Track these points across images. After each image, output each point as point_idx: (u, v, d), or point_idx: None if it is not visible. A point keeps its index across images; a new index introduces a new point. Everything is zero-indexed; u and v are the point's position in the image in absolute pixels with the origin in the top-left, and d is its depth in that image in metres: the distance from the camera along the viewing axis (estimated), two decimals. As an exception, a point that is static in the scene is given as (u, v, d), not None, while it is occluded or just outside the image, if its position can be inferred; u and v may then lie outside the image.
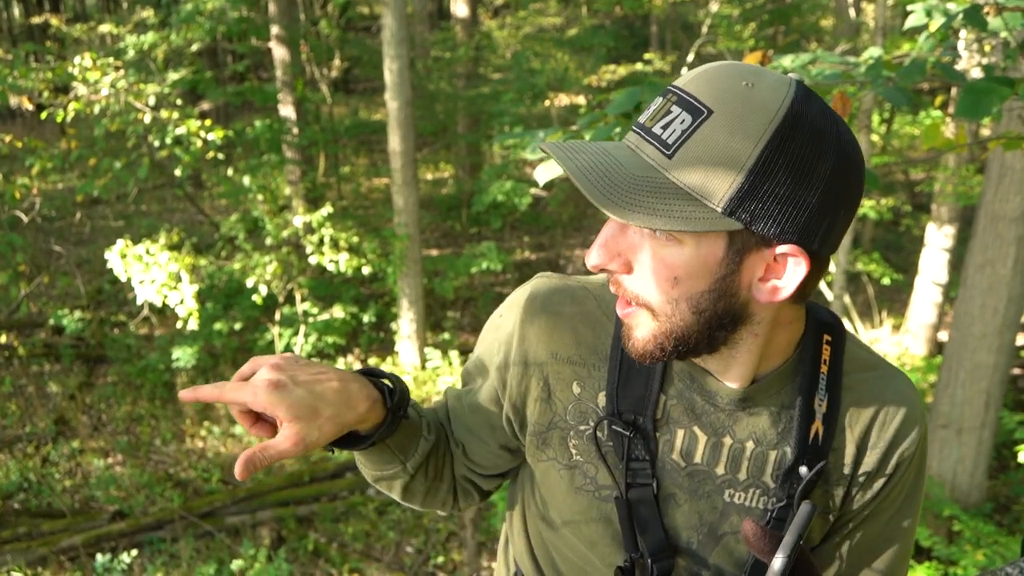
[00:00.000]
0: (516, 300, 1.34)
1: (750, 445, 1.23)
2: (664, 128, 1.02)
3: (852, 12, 14.36)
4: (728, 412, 1.23)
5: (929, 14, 2.44)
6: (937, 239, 10.54)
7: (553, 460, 1.31)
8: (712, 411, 1.23)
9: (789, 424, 1.23)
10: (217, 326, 10.18)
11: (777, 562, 1.10)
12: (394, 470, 1.36)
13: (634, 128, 1.08)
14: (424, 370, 10.69)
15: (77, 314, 10.86)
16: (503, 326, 1.35)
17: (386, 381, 1.28)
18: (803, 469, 1.21)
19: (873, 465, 1.26)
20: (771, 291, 1.08)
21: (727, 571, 1.28)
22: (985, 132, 9.56)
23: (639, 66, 14.83)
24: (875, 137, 11.35)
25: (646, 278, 1.07)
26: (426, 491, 1.43)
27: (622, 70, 14.46)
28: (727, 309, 1.08)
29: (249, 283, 9.32)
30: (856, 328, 11.32)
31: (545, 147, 1.07)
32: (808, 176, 1.01)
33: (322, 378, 1.17)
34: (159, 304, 8.79)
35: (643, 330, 1.11)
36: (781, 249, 1.04)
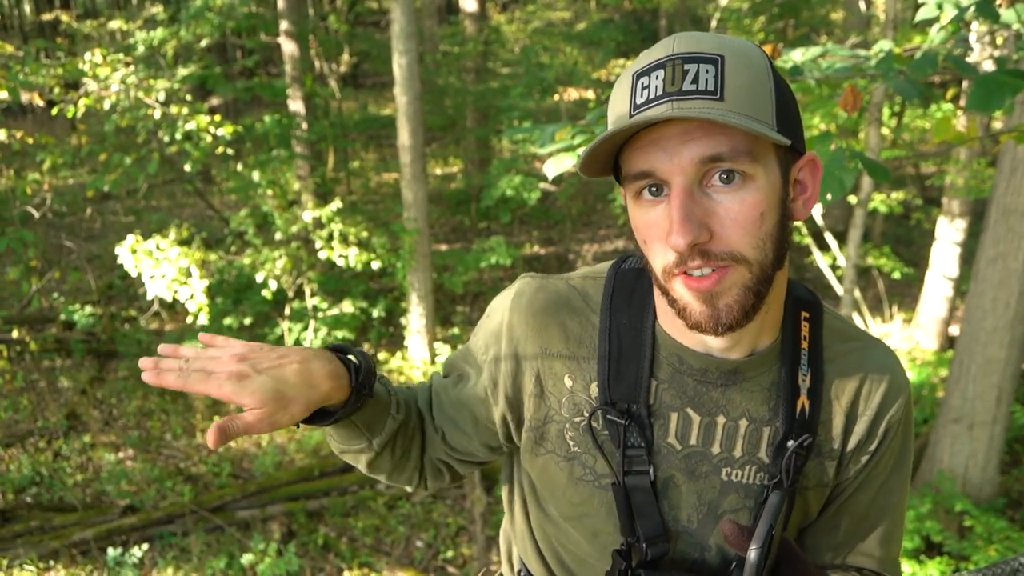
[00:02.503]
0: (503, 301, 1.37)
1: (743, 423, 1.26)
2: (694, 83, 1.04)
3: (862, 5, 14.29)
4: (721, 389, 1.25)
5: (940, 6, 2.43)
6: (948, 233, 10.50)
7: (552, 453, 1.33)
8: (704, 391, 1.25)
9: (779, 401, 1.25)
10: (227, 321, 10.21)
11: (752, 553, 1.15)
12: (360, 446, 1.37)
13: (651, 104, 1.06)
14: (434, 364, 10.69)
15: (88, 309, 10.90)
16: (491, 327, 1.37)
17: (352, 358, 1.29)
18: (790, 443, 1.23)
19: (862, 434, 1.30)
20: (804, 204, 1.17)
21: (727, 549, 1.29)
22: (997, 125, 9.52)
23: (648, 60, 14.75)
24: (886, 131, 11.31)
25: (735, 228, 1.07)
26: (392, 468, 1.45)
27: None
28: (786, 238, 1.14)
29: (259, 278, 9.34)
30: (866, 322, 11.28)
31: (618, 127, 1.06)
32: (791, 94, 1.13)
33: (284, 362, 1.19)
34: (169, 299, 8.82)
35: (737, 288, 1.10)
36: (803, 159, 1.15)
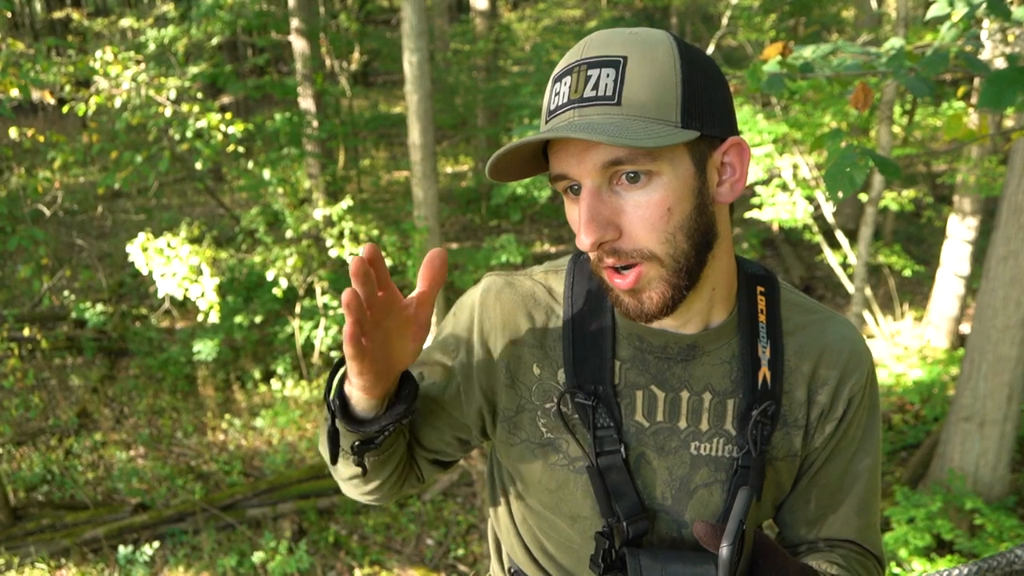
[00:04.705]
0: (470, 299, 1.41)
1: (707, 396, 1.30)
2: (595, 88, 1.10)
3: (873, 3, 14.25)
4: (682, 365, 1.30)
5: (952, 3, 2.42)
6: (959, 231, 10.46)
7: (526, 441, 1.36)
8: (666, 367, 1.30)
9: (740, 372, 1.30)
10: (237, 319, 10.23)
11: (724, 551, 1.15)
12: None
13: (560, 111, 1.14)
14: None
15: (99, 307, 10.93)
16: (460, 324, 1.41)
17: None
18: (754, 413, 1.28)
19: (826, 403, 1.34)
20: (731, 187, 1.19)
21: None
22: (1008, 123, 9.49)
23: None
24: (896, 128, 11.27)
25: (642, 226, 1.13)
26: (396, 463, 1.41)
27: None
28: (708, 224, 1.18)
29: (269, 276, 9.35)
30: (877, 320, 11.25)
31: (519, 142, 1.12)
32: (713, 78, 1.15)
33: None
34: (180, 297, 8.83)
35: (655, 283, 1.17)
36: (726, 144, 1.17)
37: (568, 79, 1.13)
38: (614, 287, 1.19)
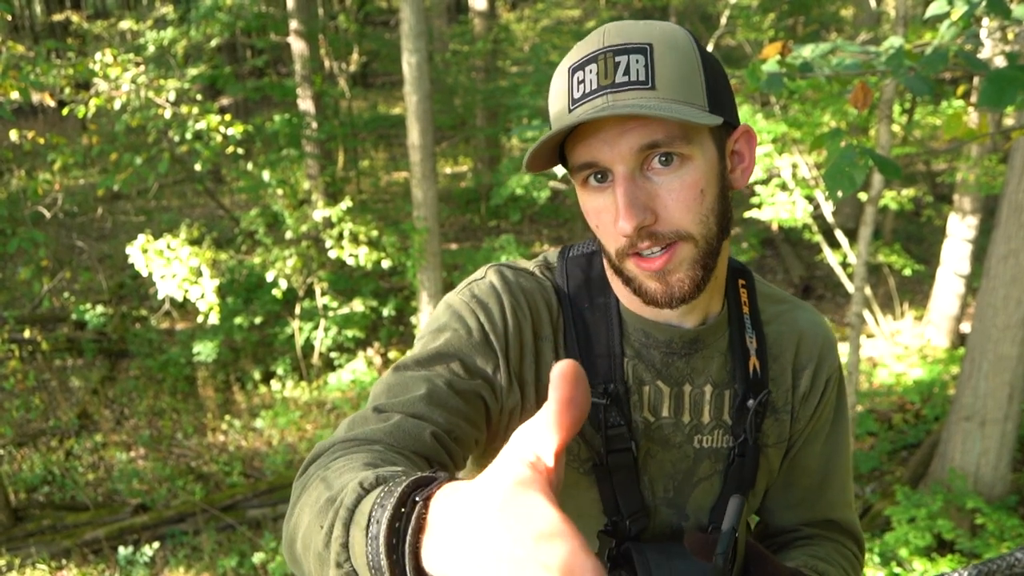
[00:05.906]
0: (487, 292, 1.27)
1: (708, 389, 1.32)
2: (626, 74, 1.09)
3: (872, 1, 14.24)
4: (685, 359, 1.31)
5: (951, 2, 2.42)
6: (959, 230, 10.46)
7: None
8: (671, 362, 1.30)
9: (734, 363, 1.34)
10: (237, 320, 10.23)
11: (719, 559, 1.18)
12: None
13: (588, 98, 1.11)
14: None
15: (99, 309, 10.93)
16: (492, 314, 1.24)
17: None
18: (750, 402, 1.31)
19: (807, 386, 1.39)
20: (742, 174, 1.22)
21: (703, 517, 1.34)
22: (1008, 122, 9.48)
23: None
24: (896, 127, 11.26)
25: (678, 208, 1.13)
26: None
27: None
28: (729, 209, 1.20)
29: (269, 277, 9.35)
30: (877, 319, 11.25)
31: (561, 127, 1.09)
32: (720, 68, 1.17)
33: None
34: (180, 299, 8.83)
35: (687, 263, 1.16)
36: (737, 131, 1.20)
37: (594, 66, 1.11)
38: (638, 273, 1.17)
